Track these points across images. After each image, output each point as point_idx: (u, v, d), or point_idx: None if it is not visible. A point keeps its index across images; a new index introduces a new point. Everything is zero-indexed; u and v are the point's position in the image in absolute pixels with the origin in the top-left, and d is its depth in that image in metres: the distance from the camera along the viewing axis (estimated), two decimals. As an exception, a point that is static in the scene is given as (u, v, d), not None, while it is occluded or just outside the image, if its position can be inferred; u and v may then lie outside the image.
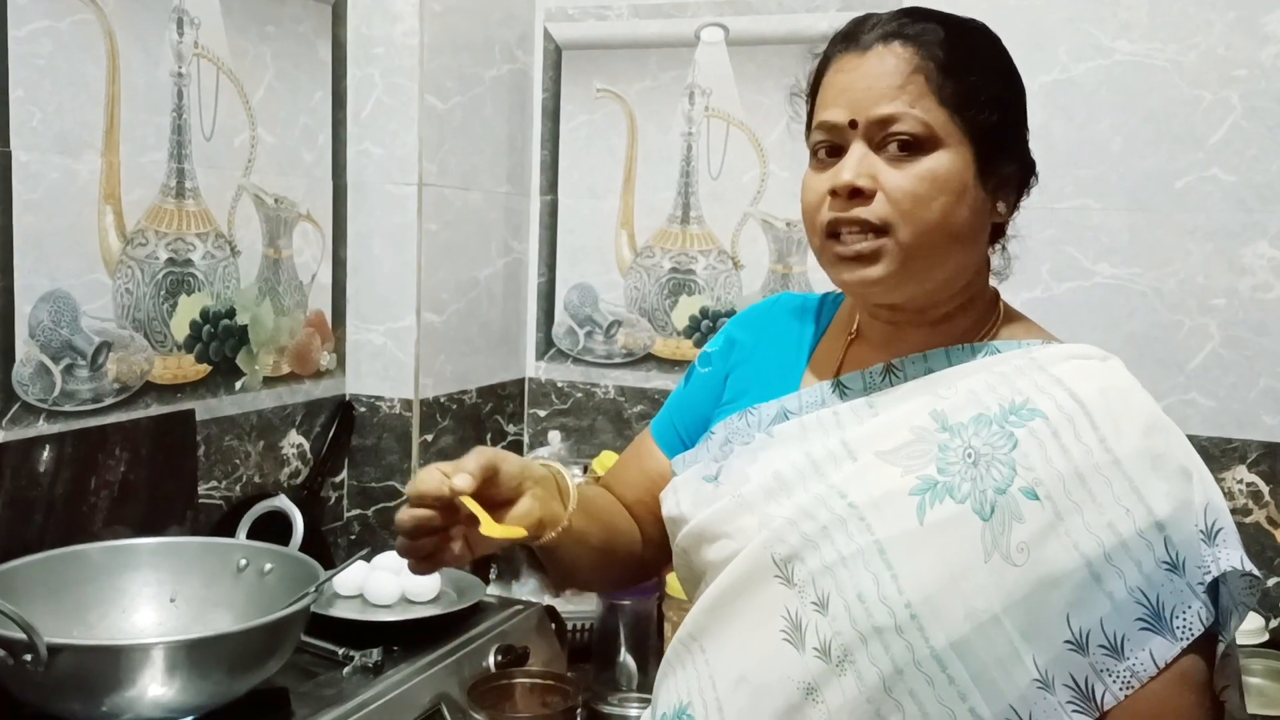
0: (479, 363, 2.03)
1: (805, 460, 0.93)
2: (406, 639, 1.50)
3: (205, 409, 1.59)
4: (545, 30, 2.12)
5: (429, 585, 1.58)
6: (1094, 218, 1.81)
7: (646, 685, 1.71)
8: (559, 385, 2.17)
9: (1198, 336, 1.76)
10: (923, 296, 0.94)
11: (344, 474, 1.90)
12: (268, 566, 1.37)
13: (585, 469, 2.03)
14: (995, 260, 1.00)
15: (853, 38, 0.92)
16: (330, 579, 1.29)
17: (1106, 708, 0.82)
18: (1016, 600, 0.82)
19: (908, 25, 0.90)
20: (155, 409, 1.50)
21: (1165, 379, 1.77)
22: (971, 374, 0.91)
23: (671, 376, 2.09)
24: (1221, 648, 0.84)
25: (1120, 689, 0.82)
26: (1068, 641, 0.82)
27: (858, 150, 0.89)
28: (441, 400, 1.92)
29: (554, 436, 2.07)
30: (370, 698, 1.36)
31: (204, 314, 1.57)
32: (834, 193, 0.89)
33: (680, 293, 2.07)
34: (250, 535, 1.44)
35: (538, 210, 2.16)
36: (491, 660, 1.51)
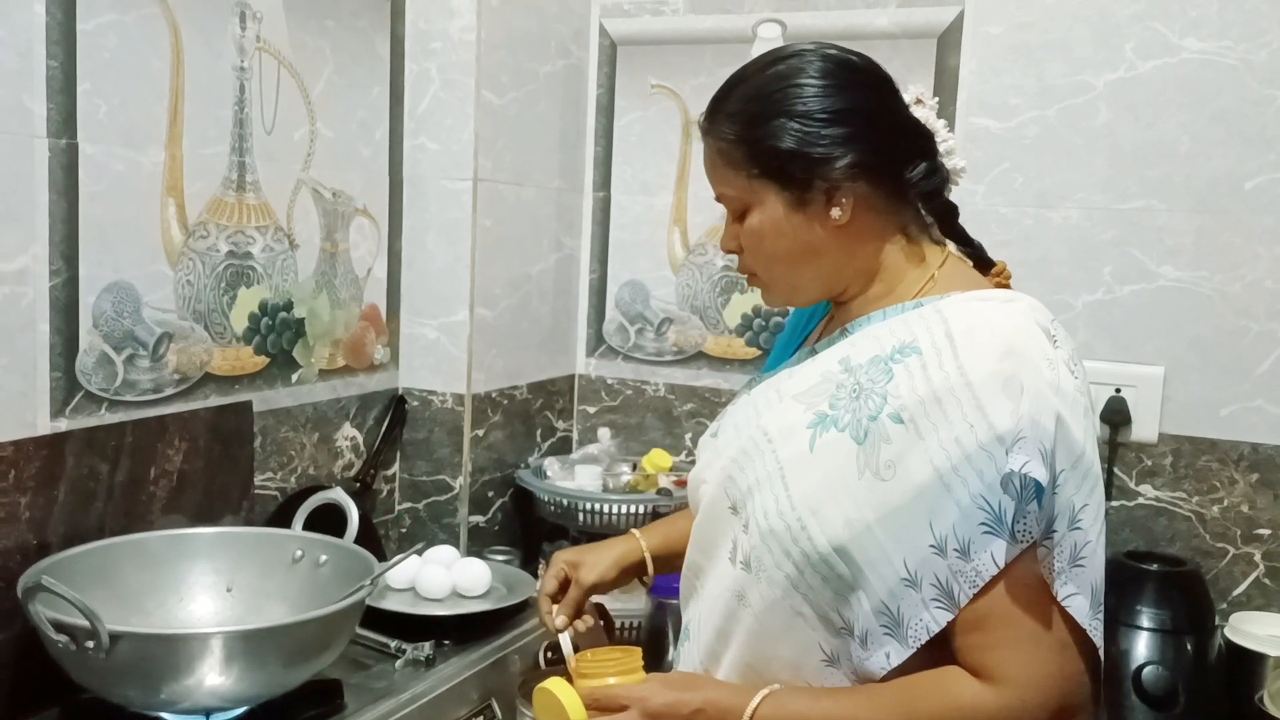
0: (529, 358, 2.03)
1: (752, 409, 1.10)
2: (457, 633, 1.50)
3: (262, 400, 1.60)
4: (600, 25, 2.12)
5: (480, 580, 1.58)
6: (1159, 219, 1.77)
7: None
8: (609, 382, 2.17)
9: (1265, 342, 1.72)
10: (821, 294, 1.09)
11: (395, 467, 1.91)
12: (323, 558, 1.38)
13: (634, 466, 2.03)
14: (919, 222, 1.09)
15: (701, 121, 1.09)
16: (385, 573, 1.30)
17: (962, 604, 0.92)
18: (886, 511, 0.94)
19: (708, 112, 1.07)
20: (214, 400, 1.51)
21: (1230, 385, 1.73)
22: (888, 324, 1.03)
23: (723, 375, 2.08)
24: (1057, 554, 0.91)
25: (970, 588, 0.92)
26: (931, 545, 0.92)
27: (727, 219, 1.08)
28: (493, 395, 1.93)
29: (604, 434, 2.07)
30: (422, 691, 1.37)
31: (262, 306, 1.59)
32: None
33: (733, 290, 2.06)
34: (305, 527, 1.45)
35: (590, 206, 2.16)
36: (541, 657, 1.51)
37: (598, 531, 1.91)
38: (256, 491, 1.59)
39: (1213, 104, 1.72)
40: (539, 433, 2.08)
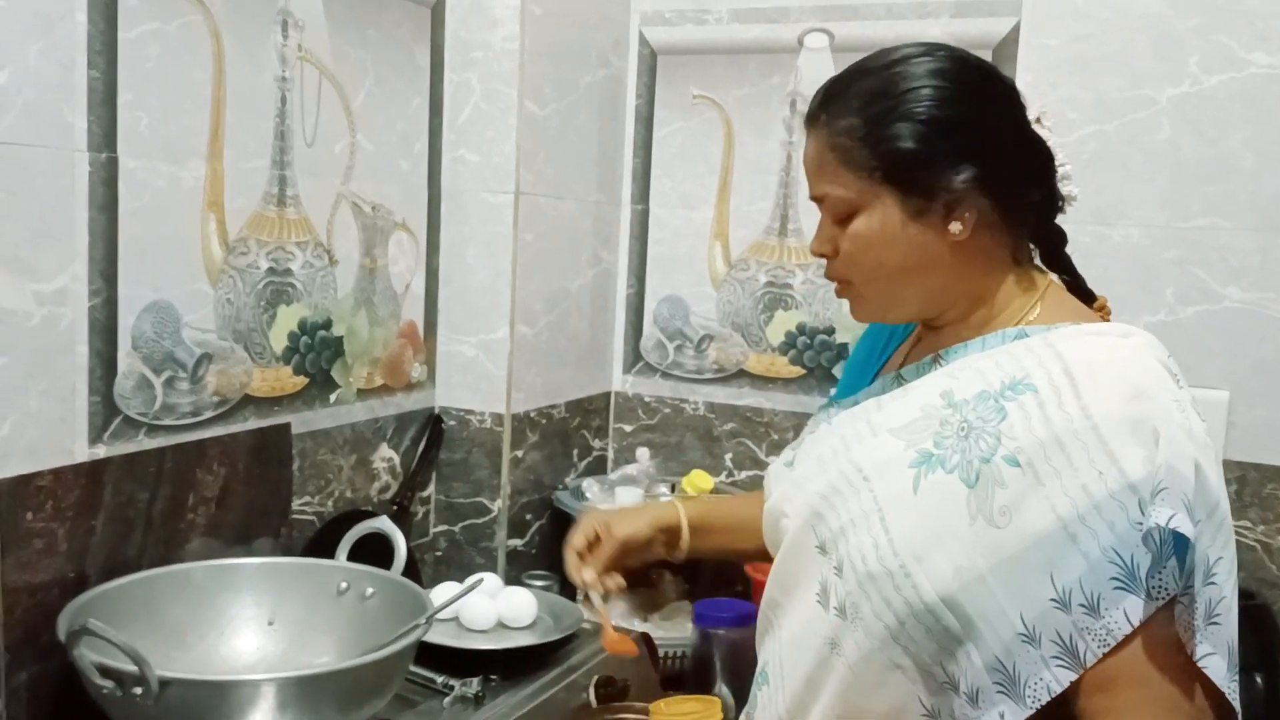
0: (567, 376, 1.98)
1: (839, 440, 1.04)
2: (504, 667, 1.44)
3: (301, 422, 1.54)
4: (641, 34, 2.06)
5: (526, 611, 1.52)
6: (1223, 238, 1.72)
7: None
8: (646, 400, 2.11)
9: (1334, 366, 1.66)
10: (920, 313, 1.04)
11: (431, 489, 1.85)
12: (369, 590, 1.33)
13: (673, 488, 1.97)
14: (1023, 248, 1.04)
15: (807, 115, 1.03)
16: (442, 610, 1.24)
17: (1088, 664, 0.86)
18: (1000, 560, 0.88)
19: (829, 101, 0.99)
20: (253, 422, 1.46)
21: (1298, 410, 1.68)
22: (988, 356, 0.97)
23: (764, 394, 2.02)
24: (1197, 612, 0.84)
25: (1099, 646, 0.85)
26: (1052, 599, 0.86)
27: (823, 219, 1.02)
28: (531, 415, 1.87)
29: (642, 454, 2.01)
30: (475, 732, 1.31)
31: (301, 325, 1.53)
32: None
33: (776, 307, 2.00)
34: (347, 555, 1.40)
35: (628, 220, 2.10)
36: (591, 693, 1.45)
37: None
38: (294, 516, 1.54)
39: (1279, 119, 1.67)
40: (575, 453, 2.03)
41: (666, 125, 2.06)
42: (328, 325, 1.58)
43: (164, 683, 1.00)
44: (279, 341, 1.50)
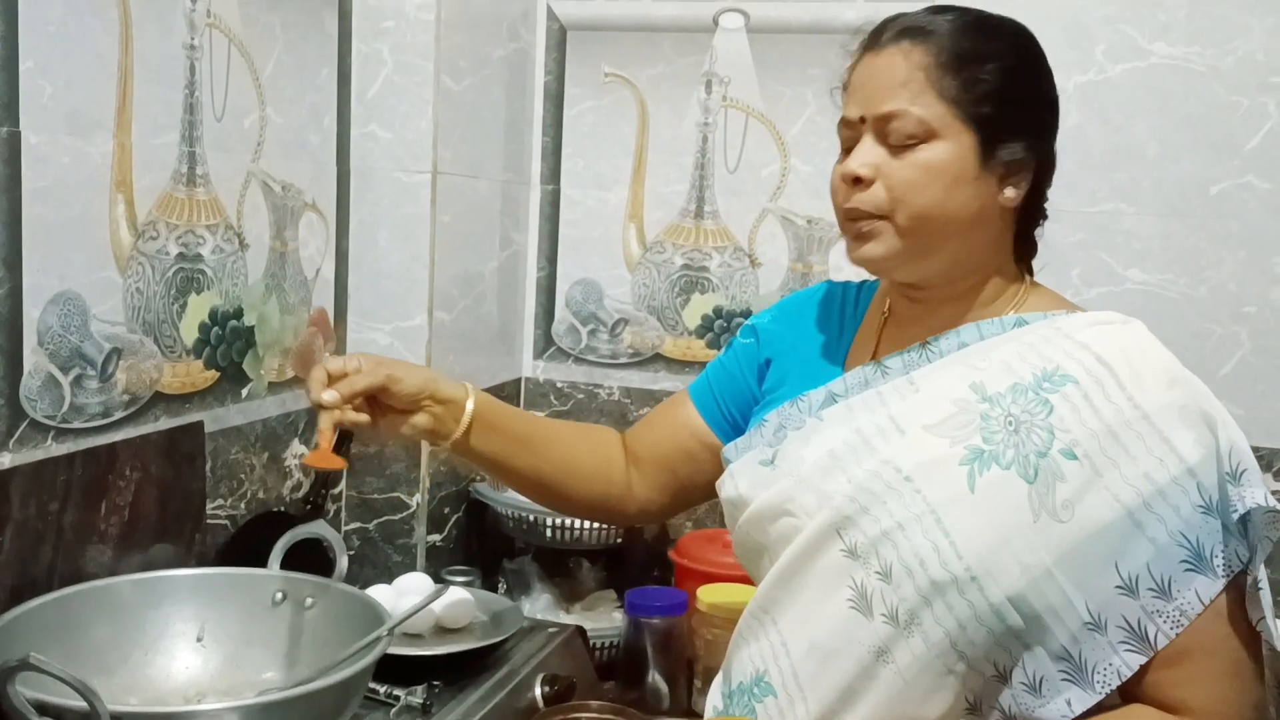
0: (481, 362, 1.90)
1: (856, 437, 0.99)
2: (448, 673, 1.38)
3: (212, 419, 1.43)
4: (549, 8, 1.99)
5: (464, 612, 1.46)
6: (1126, 222, 1.78)
7: (678, 705, 1.63)
8: (558, 385, 2.06)
9: (1229, 344, 1.75)
10: (937, 275, 1.00)
11: (343, 485, 1.75)
12: (309, 600, 1.24)
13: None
14: (1025, 244, 1.05)
15: (873, 38, 1.00)
16: (405, 620, 1.17)
17: (1159, 646, 0.88)
18: (1065, 553, 0.88)
19: (919, 22, 0.97)
20: (164, 422, 1.34)
21: (1196, 386, 1.76)
22: (1002, 345, 0.97)
23: (681, 377, 1.99)
24: (1251, 581, 0.89)
25: (1171, 628, 0.88)
26: (1118, 587, 0.88)
27: (865, 143, 0.97)
28: (448, 404, 1.79)
29: (558, 441, 1.96)
30: (430, 744, 1.24)
31: (213, 314, 1.41)
32: (845, 180, 0.99)
33: (693, 290, 1.98)
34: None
35: (538, 200, 2.03)
36: (538, 692, 1.40)
37: (565, 547, 1.81)
38: (207, 521, 1.42)
39: (1180, 109, 1.74)
40: (489, 441, 1.96)
41: (578, 104, 2.00)
42: (239, 314, 1.46)
43: (115, 718, 0.90)
44: (190, 333, 1.38)
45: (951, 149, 0.95)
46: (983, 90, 0.95)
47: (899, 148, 0.96)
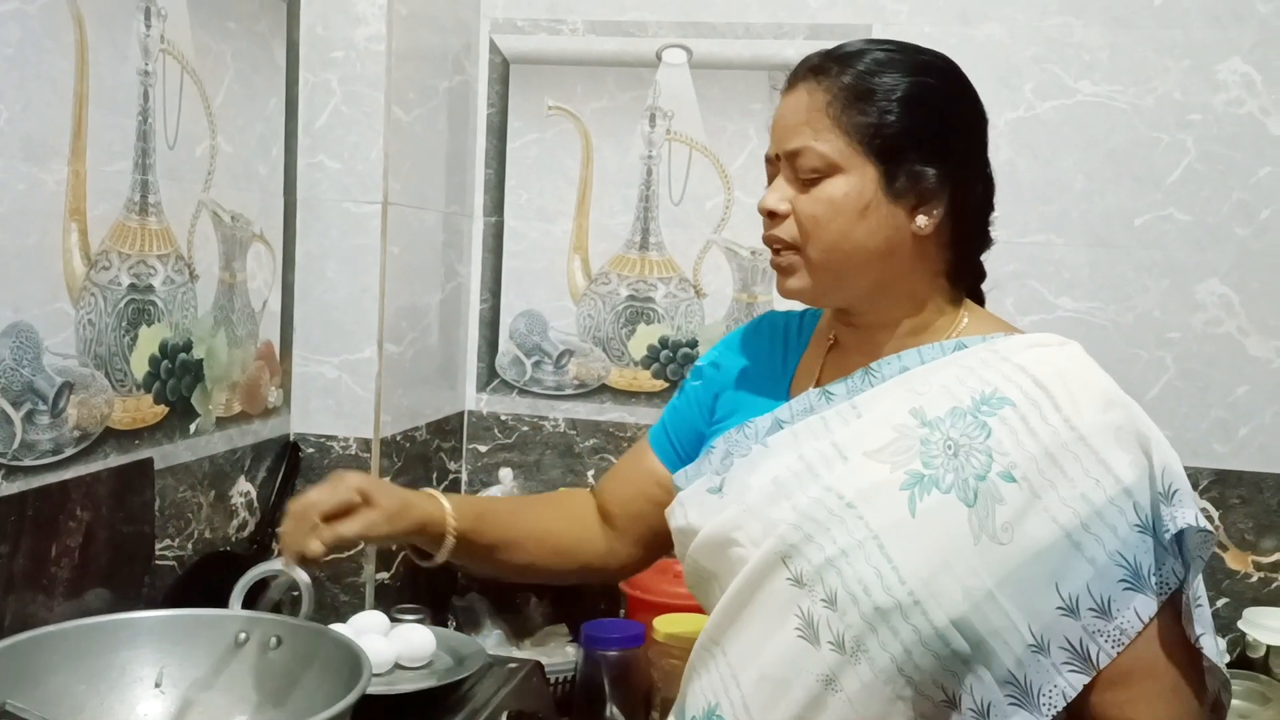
0: (426, 396, 1.88)
1: (800, 464, 0.99)
2: (413, 712, 1.35)
3: (160, 456, 1.38)
4: (491, 41, 1.99)
5: (424, 649, 1.43)
6: (1056, 253, 1.85)
7: (636, 739, 1.62)
8: (502, 419, 2.04)
9: (1155, 369, 1.83)
10: (861, 301, 1.02)
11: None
12: (274, 640, 1.20)
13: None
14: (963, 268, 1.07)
15: (790, 78, 1.03)
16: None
17: (1101, 665, 0.89)
18: (1006, 575, 0.88)
19: (826, 61, 1.00)
20: (114, 459, 1.29)
21: (1125, 410, 1.83)
22: (942, 369, 0.98)
23: (627, 408, 2.00)
24: (1188, 598, 0.90)
25: (1113, 647, 0.89)
26: (1059, 608, 0.88)
27: (779, 180, 1.01)
28: (397, 439, 1.76)
29: (505, 474, 1.95)
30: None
31: (163, 348, 1.37)
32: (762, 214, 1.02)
33: (638, 321, 1.99)
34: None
35: (480, 232, 2.02)
36: (507, 730, 1.38)
37: (514, 583, 1.79)
38: (155, 563, 1.37)
39: (1105, 144, 1.82)
40: (434, 476, 1.93)
41: (521, 136, 2.00)
42: (188, 348, 1.42)
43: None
44: (140, 367, 1.33)
45: (854, 182, 0.97)
46: (882, 122, 0.97)
47: (806, 182, 0.98)
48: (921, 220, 0.98)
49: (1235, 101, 1.77)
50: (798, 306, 1.20)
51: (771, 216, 1.01)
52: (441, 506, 1.12)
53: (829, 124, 0.97)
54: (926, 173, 0.97)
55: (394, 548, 1.69)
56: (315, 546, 1.05)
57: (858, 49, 1.00)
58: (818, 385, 1.06)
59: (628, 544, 1.22)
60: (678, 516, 1.10)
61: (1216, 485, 1.81)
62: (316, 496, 1.06)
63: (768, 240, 1.02)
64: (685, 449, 1.19)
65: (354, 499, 1.06)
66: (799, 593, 0.95)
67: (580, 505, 1.26)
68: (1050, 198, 1.84)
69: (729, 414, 1.14)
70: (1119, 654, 0.89)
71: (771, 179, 1.03)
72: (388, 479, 1.73)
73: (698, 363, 1.23)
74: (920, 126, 0.98)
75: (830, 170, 0.97)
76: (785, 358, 1.15)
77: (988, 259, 1.11)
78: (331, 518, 1.06)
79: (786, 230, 1.00)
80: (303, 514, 1.06)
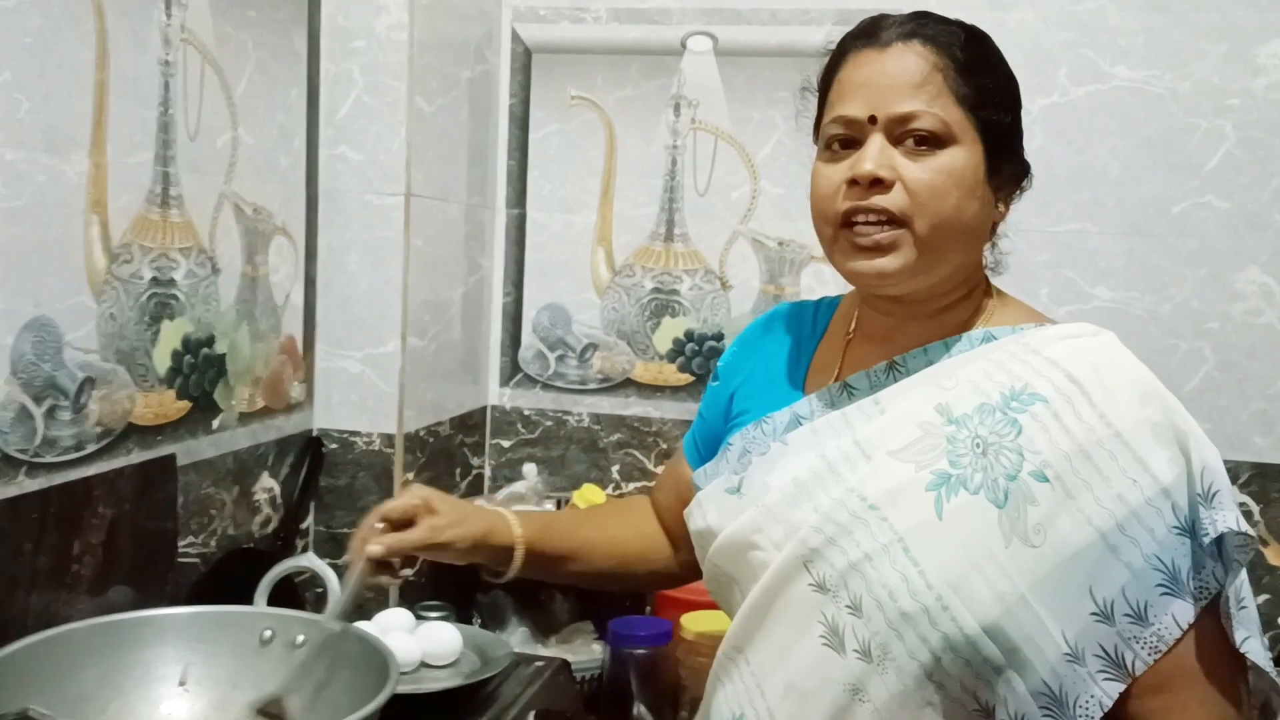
0: (450, 391, 1.85)
1: (821, 463, 0.95)
2: (439, 711, 1.32)
3: (184, 452, 1.36)
4: (513, 31, 1.97)
5: (451, 647, 1.41)
6: (1091, 241, 1.81)
7: (665, 737, 1.60)
8: (526, 413, 2.01)
9: (1193, 360, 1.79)
10: (928, 288, 0.95)
11: (310, 519, 1.68)
12: (300, 638, 1.18)
13: (559, 504, 1.89)
14: (989, 256, 1.03)
15: (871, 34, 0.94)
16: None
17: (1137, 674, 0.85)
18: (1039, 579, 0.84)
19: (926, 26, 0.93)
20: (136, 455, 1.27)
21: (1162, 402, 1.79)
22: (970, 363, 0.93)
23: (653, 403, 1.97)
24: (1233, 601, 0.86)
25: (1149, 654, 0.85)
26: (1093, 613, 0.84)
27: (877, 142, 0.91)
28: (420, 434, 1.74)
29: (529, 469, 1.92)
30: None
31: (185, 342, 1.35)
32: (853, 182, 0.91)
33: (663, 314, 1.96)
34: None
35: (503, 224, 2.00)
36: (535, 731, 1.36)
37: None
38: (178, 560, 1.35)
39: (1141, 130, 1.78)
40: (458, 471, 1.91)
41: (544, 126, 1.97)
42: (210, 342, 1.40)
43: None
44: (162, 362, 1.31)
45: (968, 156, 0.91)
46: (995, 100, 0.93)
47: (913, 151, 0.90)
48: (1002, 208, 0.97)
49: (1276, 85, 1.73)
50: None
51: (872, 185, 0.90)
52: (505, 518, 1.11)
53: (946, 90, 0.90)
54: (1019, 157, 0.97)
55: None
56: (374, 548, 1.03)
57: (955, 21, 0.96)
58: (838, 379, 1.01)
59: (685, 548, 1.16)
60: (696, 518, 1.06)
61: (1257, 479, 1.77)
62: (386, 504, 1.07)
63: (861, 211, 0.90)
64: (709, 455, 1.14)
65: (419, 505, 1.06)
66: (822, 599, 0.91)
67: (643, 512, 1.25)
68: (1085, 185, 1.80)
69: (744, 410, 1.10)
70: (1156, 661, 0.85)
71: (845, 144, 0.93)
72: (410, 474, 1.71)
73: (717, 365, 1.18)
74: (1017, 110, 0.97)
75: (947, 140, 0.90)
76: (800, 349, 1.10)
77: (1018, 247, 1.07)
78: (400, 526, 1.06)
79: (894, 200, 0.89)
80: (369, 520, 1.06)
